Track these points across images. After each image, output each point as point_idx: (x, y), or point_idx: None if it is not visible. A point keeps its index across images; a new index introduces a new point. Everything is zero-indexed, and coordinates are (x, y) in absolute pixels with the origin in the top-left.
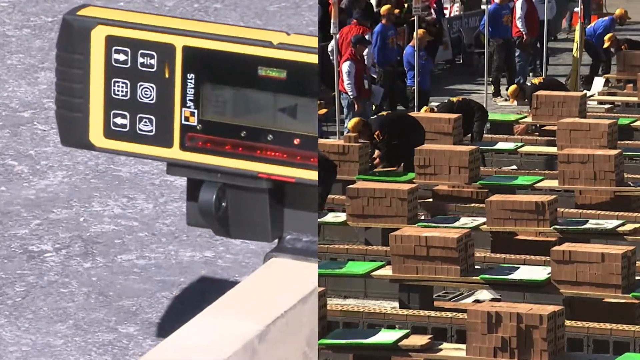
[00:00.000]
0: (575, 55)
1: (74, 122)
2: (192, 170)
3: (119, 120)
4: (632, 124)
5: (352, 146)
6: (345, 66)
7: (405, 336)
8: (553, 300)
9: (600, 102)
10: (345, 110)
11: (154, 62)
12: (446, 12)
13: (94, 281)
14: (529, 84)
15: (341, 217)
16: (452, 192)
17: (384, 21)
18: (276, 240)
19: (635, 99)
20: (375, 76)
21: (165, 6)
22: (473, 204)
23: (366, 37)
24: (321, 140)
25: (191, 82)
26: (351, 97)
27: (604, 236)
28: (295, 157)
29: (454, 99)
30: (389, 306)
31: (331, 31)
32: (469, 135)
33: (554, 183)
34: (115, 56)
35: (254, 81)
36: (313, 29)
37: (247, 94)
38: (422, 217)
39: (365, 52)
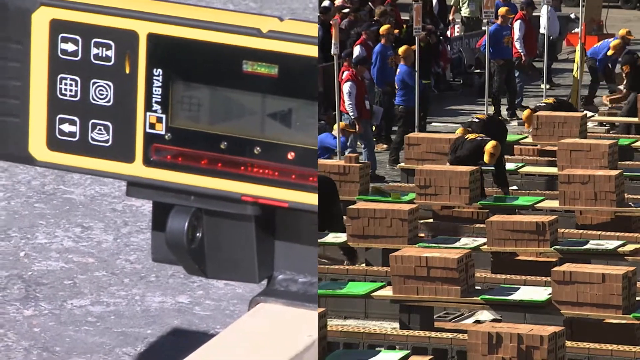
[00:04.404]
0: (575, 75)
1: (9, 130)
2: (159, 191)
3: (66, 128)
4: (632, 145)
5: (352, 166)
6: (346, 87)
7: (406, 357)
8: (554, 320)
9: (601, 123)
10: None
11: (111, 53)
12: (447, 33)
13: (36, 333)
14: (543, 104)
15: (341, 237)
16: (452, 213)
17: (383, 41)
18: (265, 281)
19: (635, 119)
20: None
21: None
22: (474, 225)
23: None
24: (321, 161)
25: (158, 80)
26: (352, 117)
27: (604, 257)
28: (290, 175)
29: (481, 116)
30: (390, 327)
31: (332, 52)
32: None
33: (554, 203)
34: (63, 46)
35: (238, 79)
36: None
37: (229, 95)
38: (423, 237)
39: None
